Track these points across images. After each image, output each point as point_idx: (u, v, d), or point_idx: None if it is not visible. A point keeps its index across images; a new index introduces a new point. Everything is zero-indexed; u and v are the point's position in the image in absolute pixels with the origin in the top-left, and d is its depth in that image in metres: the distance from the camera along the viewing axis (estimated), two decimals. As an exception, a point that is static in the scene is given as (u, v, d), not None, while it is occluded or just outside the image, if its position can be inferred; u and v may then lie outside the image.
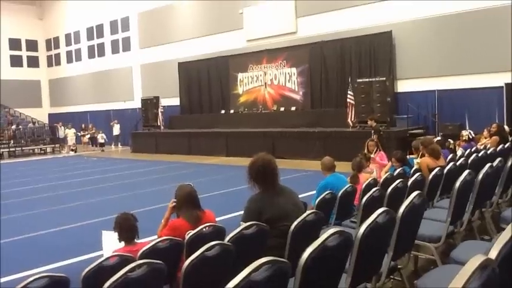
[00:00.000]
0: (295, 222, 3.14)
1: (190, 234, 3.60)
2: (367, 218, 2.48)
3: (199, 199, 3.93)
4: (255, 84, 20.44)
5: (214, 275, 2.86)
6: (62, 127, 26.87)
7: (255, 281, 1.79)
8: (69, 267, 5.44)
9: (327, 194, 4.68)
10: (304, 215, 3.24)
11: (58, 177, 14.98)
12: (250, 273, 1.77)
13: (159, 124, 22.15)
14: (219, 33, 21.33)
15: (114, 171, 15.61)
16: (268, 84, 19.99)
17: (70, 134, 25.31)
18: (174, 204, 4.08)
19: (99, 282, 3.06)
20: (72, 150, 24.72)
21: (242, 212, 3.61)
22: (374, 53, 16.57)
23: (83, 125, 27.29)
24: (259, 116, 19.62)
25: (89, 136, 26.13)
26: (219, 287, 2.93)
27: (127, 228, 3.93)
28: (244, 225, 3.18)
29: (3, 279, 5.31)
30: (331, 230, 2.16)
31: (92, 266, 3.17)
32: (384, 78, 15.28)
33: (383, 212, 2.48)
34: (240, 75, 20.92)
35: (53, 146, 25.77)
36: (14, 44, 31.33)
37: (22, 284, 2.96)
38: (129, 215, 4.02)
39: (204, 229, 3.67)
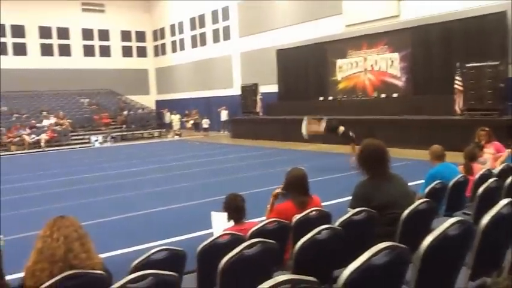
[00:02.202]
0: (407, 211, 3.08)
1: (297, 217, 3.68)
2: (484, 210, 2.36)
3: (309, 184, 3.97)
4: (355, 70, 20.00)
5: (324, 258, 2.91)
6: (168, 113, 28.55)
7: (375, 264, 1.81)
8: (181, 243, 5.80)
9: (437, 183, 4.49)
10: (416, 203, 3.17)
11: (165, 159, 15.99)
12: (370, 257, 1.79)
13: (257, 111, 22.62)
14: (318, 20, 21.11)
15: (215, 156, 16.32)
16: (369, 70, 19.46)
17: (175, 119, 26.83)
18: (277, 192, 4.17)
19: (213, 257, 3.25)
20: (177, 134, 26.17)
21: (340, 200, 3.60)
22: (484, 35, 15.34)
23: (187, 111, 28.70)
24: (358, 102, 19.20)
25: (192, 122, 27.45)
26: (328, 270, 3.00)
27: (235, 209, 4.07)
28: (354, 210, 3.19)
29: (126, 250, 5.80)
30: (453, 219, 2.10)
31: (206, 242, 3.35)
32: (497, 63, 14.12)
33: (508, 203, 2.35)
34: (339, 62, 20.59)
35: (160, 130, 27.46)
36: (126, 35, 33.74)
37: (146, 255, 3.21)
38: (237, 196, 4.15)
39: (310, 213, 3.73)
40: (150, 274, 2.44)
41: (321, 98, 20.85)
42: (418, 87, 17.65)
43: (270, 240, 2.86)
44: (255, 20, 24.76)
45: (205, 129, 25.94)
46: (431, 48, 16.96)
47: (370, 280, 1.78)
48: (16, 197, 10.30)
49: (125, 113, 28.19)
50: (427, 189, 4.41)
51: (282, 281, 1.60)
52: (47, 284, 2.62)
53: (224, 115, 26.02)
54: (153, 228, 7.08)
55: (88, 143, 24.14)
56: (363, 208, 3.19)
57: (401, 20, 17.95)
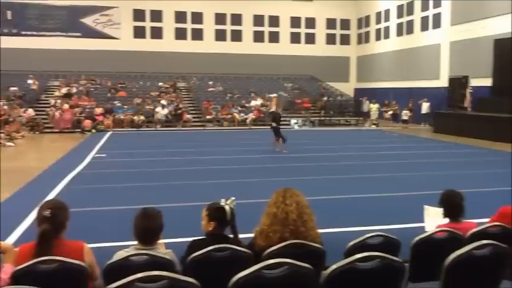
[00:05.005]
0: None
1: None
2: None
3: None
4: None
5: None
6: (367, 102, 28.37)
7: None
8: (387, 231, 5.81)
9: None
10: None
11: (364, 148, 16.03)
12: None
13: (465, 105, 20.89)
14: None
15: (415, 149, 15.75)
16: None
17: (373, 108, 26.52)
18: None
19: (428, 251, 3.25)
20: (374, 124, 25.87)
21: None
22: None
23: (386, 101, 28.08)
24: None
25: (391, 112, 26.74)
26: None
27: (454, 206, 3.94)
28: None
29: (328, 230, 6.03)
30: None
31: (422, 236, 3.38)
32: None
33: None
34: None
35: (357, 118, 27.43)
36: (330, 23, 34.48)
37: (361, 238, 3.35)
38: (456, 192, 4.00)
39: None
40: (376, 256, 2.59)
41: (547, 96, 18.16)
42: None
43: (503, 245, 2.73)
44: (470, 7, 22.75)
45: (404, 121, 25.03)
46: None
47: None
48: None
49: (324, 99, 28.93)
50: None
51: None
52: (276, 246, 3.01)
53: (425, 108, 24.71)
54: (356, 214, 7.14)
55: (288, 125, 25.56)
56: None
57: None
